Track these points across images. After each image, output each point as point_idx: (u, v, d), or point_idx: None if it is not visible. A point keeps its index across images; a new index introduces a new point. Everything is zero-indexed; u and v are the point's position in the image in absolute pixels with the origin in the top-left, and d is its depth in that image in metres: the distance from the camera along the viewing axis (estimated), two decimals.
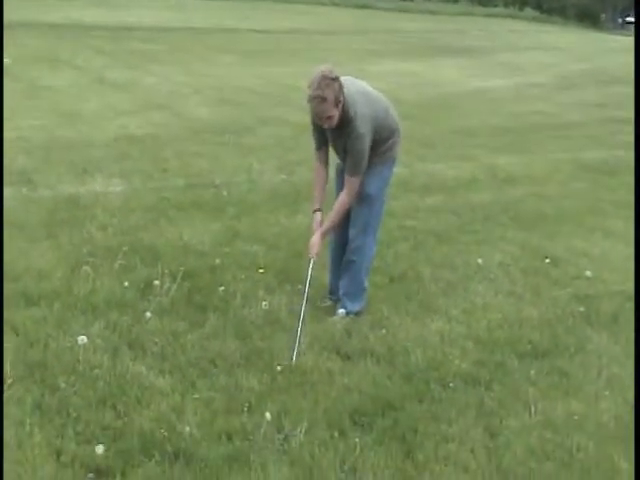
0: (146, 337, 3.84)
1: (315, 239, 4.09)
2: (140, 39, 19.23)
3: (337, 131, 3.99)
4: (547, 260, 5.54)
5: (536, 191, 7.69)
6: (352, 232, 4.26)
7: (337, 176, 4.30)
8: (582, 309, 4.71)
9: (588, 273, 5.34)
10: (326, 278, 4.58)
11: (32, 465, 2.79)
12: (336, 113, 3.84)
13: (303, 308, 3.92)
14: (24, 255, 4.79)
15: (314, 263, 4.08)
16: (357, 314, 4.30)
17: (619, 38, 45.52)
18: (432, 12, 45.76)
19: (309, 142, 4.33)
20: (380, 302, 4.47)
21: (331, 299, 4.47)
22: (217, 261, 4.93)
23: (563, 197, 7.58)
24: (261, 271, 4.81)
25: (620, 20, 77.13)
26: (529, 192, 7.64)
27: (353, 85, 4.01)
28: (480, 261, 5.39)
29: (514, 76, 19.49)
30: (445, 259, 5.39)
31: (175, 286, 4.41)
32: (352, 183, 4.06)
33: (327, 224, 4.12)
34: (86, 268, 4.59)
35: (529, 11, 57.70)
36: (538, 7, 61.52)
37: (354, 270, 4.31)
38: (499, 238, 6.03)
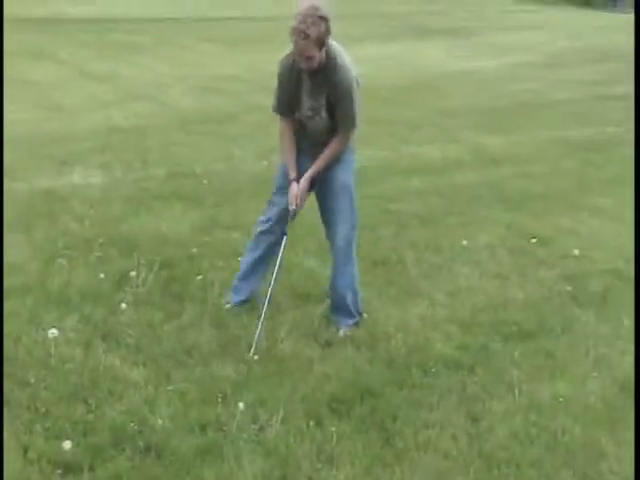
0: (121, 329, 3.74)
1: (302, 186, 3.77)
2: (125, 31, 18.95)
3: (318, 81, 3.65)
4: (534, 240, 5.44)
5: (522, 171, 7.58)
6: (343, 226, 3.89)
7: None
8: (569, 289, 4.62)
9: (576, 252, 5.24)
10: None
11: None
12: (317, 55, 3.53)
13: (270, 290, 3.78)
14: None
15: (286, 240, 3.86)
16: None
17: (610, 16, 45.24)
18: None
19: None
20: (362, 287, 4.35)
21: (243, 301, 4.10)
22: (195, 250, 4.83)
23: (550, 176, 7.47)
24: (240, 259, 4.70)
25: None
26: (515, 172, 7.53)
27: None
28: (465, 243, 5.29)
29: (501, 56, 19.24)
30: (429, 242, 5.28)
31: (152, 276, 4.32)
32: (347, 136, 3.77)
33: (314, 169, 3.78)
34: (61, 261, 4.50)
35: None
36: None
37: (352, 271, 4.00)
38: (485, 219, 5.93)
